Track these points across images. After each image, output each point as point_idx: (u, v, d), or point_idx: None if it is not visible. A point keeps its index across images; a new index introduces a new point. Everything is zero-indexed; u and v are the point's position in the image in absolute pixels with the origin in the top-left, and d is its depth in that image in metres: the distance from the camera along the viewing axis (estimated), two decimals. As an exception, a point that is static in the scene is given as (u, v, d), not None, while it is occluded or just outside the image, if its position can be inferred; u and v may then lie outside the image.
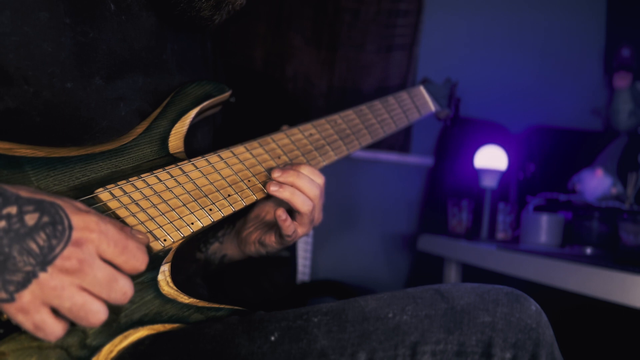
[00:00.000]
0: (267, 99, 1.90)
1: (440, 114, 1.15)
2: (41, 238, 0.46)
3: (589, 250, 1.40)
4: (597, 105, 2.21)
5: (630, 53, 1.87)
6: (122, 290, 0.49)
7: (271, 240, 0.80)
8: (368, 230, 2.06)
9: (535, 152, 2.03)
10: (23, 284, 0.45)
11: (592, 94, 2.23)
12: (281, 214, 0.72)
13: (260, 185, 0.74)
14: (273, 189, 0.72)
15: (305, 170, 0.75)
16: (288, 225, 0.73)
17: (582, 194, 1.57)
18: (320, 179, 0.76)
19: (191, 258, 0.79)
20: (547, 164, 2.00)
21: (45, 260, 0.46)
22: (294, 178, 0.73)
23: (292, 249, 1.62)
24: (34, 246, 0.45)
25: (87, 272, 0.47)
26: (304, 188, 0.73)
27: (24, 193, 0.47)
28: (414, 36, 2.05)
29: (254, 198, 0.72)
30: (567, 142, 2.06)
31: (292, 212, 0.76)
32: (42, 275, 0.45)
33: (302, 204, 0.73)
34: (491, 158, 1.76)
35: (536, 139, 2.07)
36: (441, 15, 2.09)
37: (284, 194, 0.72)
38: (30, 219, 0.46)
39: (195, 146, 0.77)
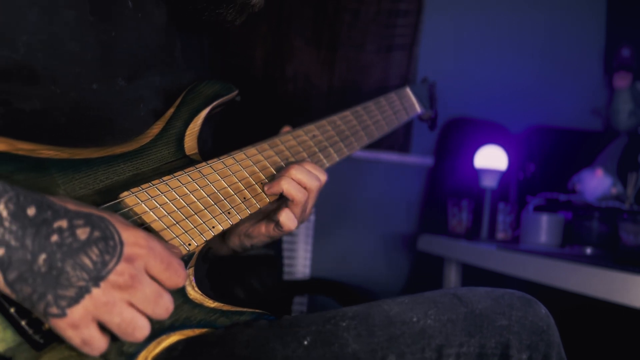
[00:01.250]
0: (263, 99, 1.90)
1: (424, 115, 1.15)
2: (94, 253, 0.45)
3: (589, 250, 1.40)
4: (597, 105, 2.21)
5: (630, 53, 1.87)
6: (165, 305, 0.49)
7: (260, 232, 0.79)
8: (368, 230, 2.06)
9: (535, 152, 2.03)
10: (76, 300, 0.44)
11: (592, 94, 2.23)
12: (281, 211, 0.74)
13: None
14: (265, 189, 0.73)
15: (308, 165, 0.76)
16: (288, 217, 0.74)
17: (582, 194, 1.57)
18: (322, 175, 0.77)
19: (203, 258, 0.79)
20: (547, 164, 2.00)
21: (98, 276, 0.45)
22: (294, 171, 0.74)
23: (277, 247, 1.62)
24: (87, 261, 0.45)
25: (138, 288, 0.47)
26: (300, 177, 0.74)
27: (71, 206, 0.47)
28: (414, 36, 2.04)
29: (267, 201, 0.73)
30: (567, 142, 2.06)
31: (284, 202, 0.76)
32: (95, 291, 0.45)
33: (296, 192, 0.73)
34: (491, 158, 1.76)
35: (536, 139, 2.07)
36: (441, 15, 2.09)
37: (281, 186, 0.73)
38: (82, 234, 0.45)
39: (200, 146, 0.77)
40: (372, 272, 2.05)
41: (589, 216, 1.40)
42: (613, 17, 2.24)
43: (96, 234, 0.46)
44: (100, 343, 0.46)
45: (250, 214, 0.82)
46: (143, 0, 0.70)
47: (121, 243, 0.47)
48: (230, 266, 1.44)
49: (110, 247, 0.46)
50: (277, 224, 0.75)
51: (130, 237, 0.48)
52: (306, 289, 1.81)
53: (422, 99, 1.12)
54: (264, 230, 0.79)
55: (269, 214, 0.80)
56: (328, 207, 1.97)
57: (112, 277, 0.46)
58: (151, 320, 0.50)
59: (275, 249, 1.58)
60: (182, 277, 0.51)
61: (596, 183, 1.56)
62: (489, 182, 1.75)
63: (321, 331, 0.57)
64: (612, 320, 1.62)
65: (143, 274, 0.48)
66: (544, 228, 1.53)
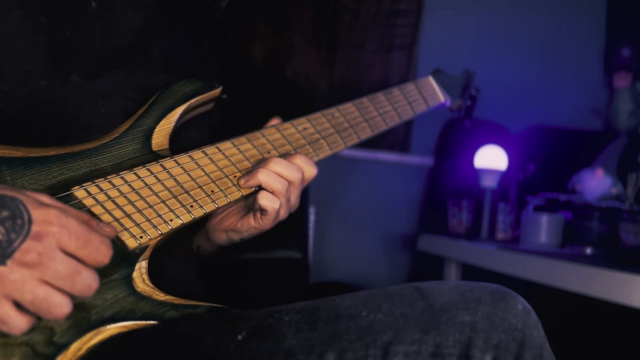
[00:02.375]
0: (268, 98, 1.90)
1: (453, 105, 1.10)
2: (0, 232, 0.46)
3: (589, 250, 1.40)
4: (597, 105, 2.20)
5: (630, 53, 1.87)
6: (86, 282, 0.49)
7: (249, 225, 0.76)
8: (368, 230, 2.06)
9: (535, 152, 2.03)
10: None
11: (592, 94, 2.23)
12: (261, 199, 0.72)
13: None
14: (242, 182, 0.72)
15: (295, 158, 0.75)
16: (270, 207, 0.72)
17: (582, 194, 1.57)
18: (309, 168, 0.76)
19: (182, 256, 0.78)
20: (547, 164, 2.00)
21: (4, 254, 0.46)
22: (273, 163, 0.72)
23: (303, 249, 1.60)
24: None
25: (48, 265, 0.47)
26: (280, 169, 0.72)
27: None
28: (414, 36, 2.04)
29: (239, 194, 0.71)
30: (567, 142, 2.06)
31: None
32: (1, 269, 0.46)
33: (275, 183, 0.72)
34: (491, 158, 1.76)
35: (536, 139, 2.06)
36: (441, 15, 2.09)
37: (258, 179, 0.71)
38: None
39: (188, 144, 0.77)
40: (372, 272, 2.05)
41: (589, 216, 1.40)
42: (613, 17, 2.24)
43: (4, 213, 0.46)
44: (18, 321, 0.47)
45: (235, 209, 0.80)
46: (111, 1, 0.70)
47: (30, 221, 0.47)
48: (251, 269, 1.42)
49: (18, 225, 0.47)
50: (261, 211, 0.73)
51: (40, 215, 0.48)
52: (307, 292, 1.81)
53: (450, 88, 1.07)
54: (253, 223, 0.75)
55: (253, 206, 0.77)
56: (328, 207, 1.97)
57: (17, 255, 0.46)
58: (90, 311, 0.50)
59: (301, 250, 1.56)
60: (104, 254, 0.51)
61: (596, 183, 1.56)
62: (489, 182, 1.75)
63: (260, 325, 0.55)
64: (611, 320, 1.62)
65: (54, 251, 0.48)
66: (544, 228, 1.53)
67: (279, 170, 0.72)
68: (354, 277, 2.00)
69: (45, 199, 0.51)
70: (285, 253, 1.51)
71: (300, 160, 0.75)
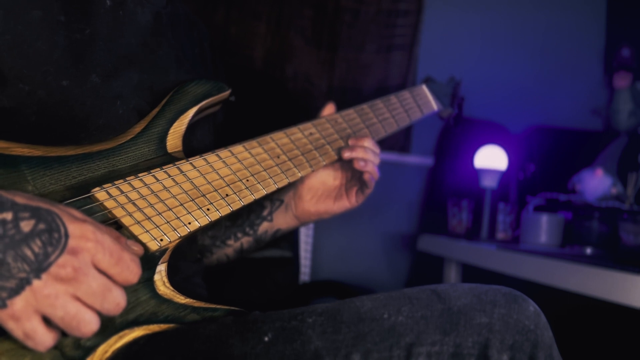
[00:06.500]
0: (268, 98, 1.90)
1: (443, 112, 1.13)
2: (36, 245, 0.45)
3: (589, 250, 1.40)
4: (597, 105, 2.21)
5: (630, 53, 1.87)
6: (115, 301, 0.49)
7: (343, 206, 0.88)
8: (368, 230, 2.06)
9: (535, 152, 2.03)
10: (16, 291, 0.44)
11: (592, 94, 2.23)
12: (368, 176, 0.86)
13: (258, 185, 0.74)
14: (347, 155, 0.85)
15: (367, 142, 0.86)
16: (369, 178, 0.86)
17: (582, 194, 1.57)
18: (377, 150, 0.88)
19: (191, 258, 0.79)
20: (547, 164, 2.00)
21: (40, 268, 0.45)
22: (362, 152, 0.85)
23: (294, 249, 1.61)
24: (28, 253, 0.45)
25: (82, 281, 0.47)
26: (369, 156, 0.86)
27: (20, 199, 0.46)
28: (414, 36, 2.04)
29: (252, 198, 0.72)
30: (567, 142, 2.06)
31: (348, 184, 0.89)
32: (36, 283, 0.45)
33: (372, 167, 0.86)
34: (491, 158, 1.76)
35: (536, 139, 2.06)
36: (441, 15, 2.09)
37: (358, 154, 0.85)
38: (26, 226, 0.45)
39: (195, 145, 0.77)
40: (372, 272, 2.05)
41: (589, 216, 1.40)
42: (613, 17, 2.24)
43: (41, 226, 0.46)
44: (44, 337, 0.46)
45: (320, 195, 0.90)
46: None
47: (66, 236, 0.47)
48: (245, 269, 1.43)
49: (55, 239, 0.46)
50: (362, 188, 0.86)
51: (77, 230, 0.47)
52: (309, 291, 1.81)
53: (441, 96, 1.10)
54: (352, 202, 0.88)
55: (340, 191, 0.89)
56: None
57: (53, 269, 0.45)
58: (105, 316, 0.49)
59: (292, 250, 1.57)
60: (134, 272, 0.50)
61: (596, 183, 1.56)
62: (489, 182, 1.75)
63: (285, 327, 0.56)
64: (611, 320, 1.62)
65: (89, 267, 0.47)
66: (544, 228, 1.53)
67: (370, 156, 0.86)
68: (354, 277, 2.00)
69: (77, 213, 0.50)
70: (277, 252, 1.52)
71: (368, 143, 0.87)
